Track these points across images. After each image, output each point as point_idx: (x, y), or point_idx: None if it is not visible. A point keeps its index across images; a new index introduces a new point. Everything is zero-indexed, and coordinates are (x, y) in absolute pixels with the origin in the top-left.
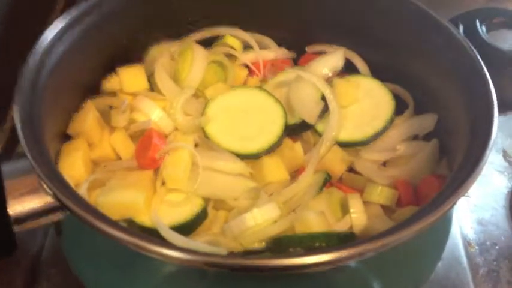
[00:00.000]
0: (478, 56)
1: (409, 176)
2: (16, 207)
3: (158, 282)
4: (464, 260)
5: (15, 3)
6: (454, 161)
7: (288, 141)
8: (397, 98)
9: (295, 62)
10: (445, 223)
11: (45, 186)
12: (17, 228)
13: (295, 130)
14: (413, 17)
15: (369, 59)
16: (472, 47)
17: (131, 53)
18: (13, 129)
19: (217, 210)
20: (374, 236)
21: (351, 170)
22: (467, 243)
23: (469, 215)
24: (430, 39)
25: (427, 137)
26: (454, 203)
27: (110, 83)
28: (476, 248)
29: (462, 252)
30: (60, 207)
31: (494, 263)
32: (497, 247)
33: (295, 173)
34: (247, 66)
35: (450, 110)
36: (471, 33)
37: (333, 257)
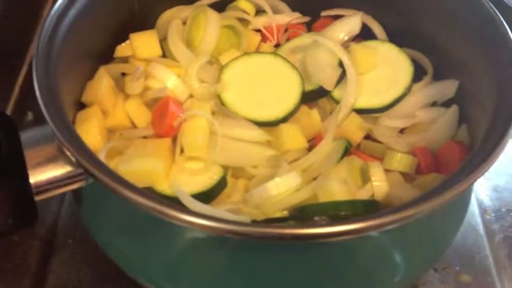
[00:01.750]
0: (502, 19)
1: (428, 142)
2: (36, 177)
3: (179, 250)
4: (481, 227)
5: None
6: (476, 129)
7: (304, 108)
8: (415, 63)
9: (309, 27)
10: (467, 192)
11: (68, 153)
12: (38, 198)
13: (312, 97)
14: None
15: (386, 24)
16: (496, 10)
17: (144, 19)
18: (20, 97)
19: (236, 178)
20: (401, 206)
21: (368, 137)
22: (483, 211)
23: (484, 183)
24: (450, 2)
25: (445, 103)
26: (483, 173)
27: (123, 48)
28: (492, 215)
29: (478, 219)
30: (82, 175)
31: (510, 229)
32: None
33: (312, 141)
34: (260, 32)
35: (471, 76)
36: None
37: (360, 226)
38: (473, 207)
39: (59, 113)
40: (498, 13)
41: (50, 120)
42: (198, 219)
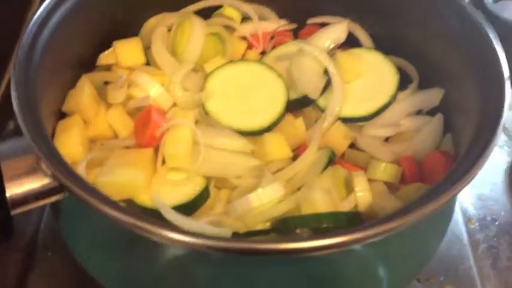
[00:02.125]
0: (487, 28)
1: (413, 152)
2: (13, 189)
3: (159, 265)
4: (465, 236)
5: None
6: (460, 138)
7: (289, 117)
8: (401, 71)
9: (296, 34)
10: (451, 204)
11: (44, 166)
12: (14, 211)
13: (297, 105)
14: None
15: (371, 31)
16: (482, 18)
17: (128, 26)
18: (1, 106)
19: (219, 189)
20: (384, 218)
21: (353, 146)
22: (467, 219)
23: (469, 191)
24: (435, 10)
25: (430, 112)
26: (467, 183)
27: (106, 56)
28: (477, 224)
29: (463, 228)
30: (59, 188)
31: (495, 239)
32: (497, 223)
33: (297, 150)
34: (246, 39)
35: (456, 84)
36: (478, 4)
37: (342, 239)
38: (458, 216)
39: (37, 124)
40: (484, 22)
41: (26, 132)
42: (175, 234)
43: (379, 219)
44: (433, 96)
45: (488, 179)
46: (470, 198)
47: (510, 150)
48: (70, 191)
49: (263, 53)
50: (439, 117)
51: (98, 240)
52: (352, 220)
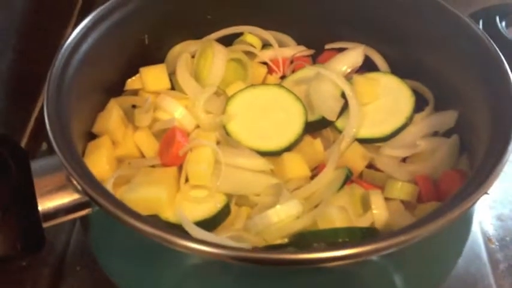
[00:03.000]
0: (499, 51)
1: (429, 171)
2: (45, 204)
3: (184, 276)
4: (485, 255)
5: (36, 7)
6: (475, 157)
7: (308, 138)
8: (416, 94)
9: (314, 60)
10: (466, 220)
11: (74, 182)
12: (45, 224)
13: (315, 127)
14: (432, 13)
15: (388, 56)
16: (492, 42)
17: (154, 53)
18: (36, 128)
19: (239, 206)
20: (396, 231)
21: (371, 166)
22: (487, 239)
23: (489, 211)
24: (449, 35)
25: (447, 133)
26: (476, 200)
27: (133, 82)
28: (496, 243)
29: (482, 247)
30: (88, 203)
31: None
32: None
33: (315, 170)
34: (266, 64)
35: (470, 106)
36: (491, 28)
37: (356, 251)
38: (477, 236)
39: (68, 144)
40: (495, 45)
41: (57, 150)
42: (199, 245)
43: (392, 232)
44: (448, 117)
45: (508, 199)
46: (489, 218)
47: None
48: (99, 205)
49: (283, 77)
50: (454, 138)
51: (125, 253)
52: (367, 235)
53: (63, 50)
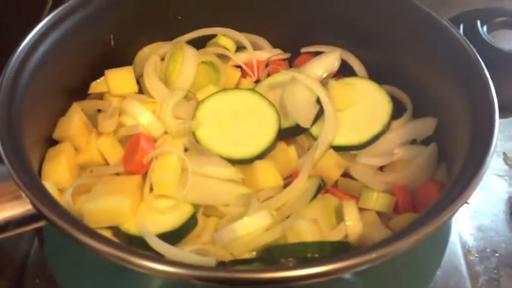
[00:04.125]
0: (479, 57)
1: (406, 181)
2: None
3: None
4: (464, 268)
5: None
6: (454, 167)
7: (281, 145)
8: (394, 100)
9: (290, 63)
10: (444, 231)
11: (23, 194)
12: None
13: (289, 134)
14: (412, 17)
15: (365, 60)
16: (473, 47)
17: (120, 55)
18: None
19: (207, 216)
20: (368, 248)
21: (346, 175)
22: (466, 251)
23: (468, 221)
24: (429, 40)
25: (425, 141)
26: (454, 213)
27: (98, 85)
28: (476, 255)
29: (461, 260)
30: (41, 215)
31: (495, 271)
32: (497, 254)
33: (288, 178)
34: (240, 67)
35: (449, 113)
36: (472, 33)
37: (326, 269)
38: (456, 248)
39: (18, 151)
40: (475, 51)
41: (5, 158)
42: (156, 265)
43: (364, 248)
44: (427, 125)
45: (489, 210)
46: (469, 229)
47: (511, 180)
48: (48, 220)
49: (257, 81)
50: (432, 147)
51: (80, 268)
52: (338, 249)
53: (17, 53)
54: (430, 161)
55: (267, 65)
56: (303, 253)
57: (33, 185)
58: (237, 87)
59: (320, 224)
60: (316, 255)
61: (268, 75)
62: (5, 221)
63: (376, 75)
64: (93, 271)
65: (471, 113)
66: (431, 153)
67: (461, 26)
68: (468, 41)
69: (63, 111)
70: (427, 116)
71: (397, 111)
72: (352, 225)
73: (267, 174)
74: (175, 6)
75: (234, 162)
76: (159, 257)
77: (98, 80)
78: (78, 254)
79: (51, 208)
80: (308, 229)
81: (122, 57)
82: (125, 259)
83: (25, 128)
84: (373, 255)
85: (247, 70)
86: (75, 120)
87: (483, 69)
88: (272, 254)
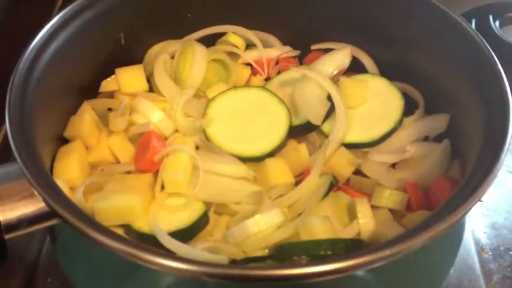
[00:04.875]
0: (492, 52)
1: (419, 178)
2: (7, 214)
3: None
4: (477, 266)
5: (14, 6)
6: (467, 164)
7: (292, 143)
8: (406, 97)
9: (300, 61)
10: (458, 229)
11: (35, 192)
12: (8, 236)
13: (300, 131)
14: (423, 12)
15: (376, 57)
16: (486, 42)
17: (130, 53)
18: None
19: (219, 215)
20: (382, 245)
21: (358, 172)
22: (480, 249)
23: (482, 219)
24: (441, 35)
25: (437, 138)
26: (468, 210)
27: (108, 83)
28: (490, 253)
29: (475, 258)
30: (53, 213)
31: (508, 269)
32: (511, 252)
33: (300, 176)
34: (250, 65)
35: (462, 109)
36: (484, 28)
37: (340, 266)
38: (470, 246)
39: (30, 149)
40: (488, 46)
41: (17, 156)
42: (169, 262)
43: (377, 245)
44: (440, 121)
45: (502, 207)
46: (483, 227)
47: None
48: (61, 217)
49: (267, 79)
50: (445, 144)
51: (92, 266)
52: (351, 247)
53: (28, 51)
54: (442, 157)
55: (277, 63)
56: (316, 251)
57: (46, 183)
58: (247, 85)
59: (332, 222)
60: (329, 252)
61: (278, 72)
62: (17, 219)
63: (387, 72)
64: (105, 269)
65: (485, 109)
66: (444, 150)
67: (473, 21)
68: (481, 36)
69: (73, 109)
70: (439, 112)
71: (409, 108)
72: (365, 222)
73: (278, 171)
74: (185, 5)
75: (244, 160)
76: (172, 255)
77: (109, 79)
78: (90, 252)
79: (64, 206)
80: (321, 226)
81: (132, 56)
82: (139, 256)
83: (36, 126)
84: (387, 252)
85: (257, 68)
86: (86, 118)
87: (496, 64)
88: (285, 252)
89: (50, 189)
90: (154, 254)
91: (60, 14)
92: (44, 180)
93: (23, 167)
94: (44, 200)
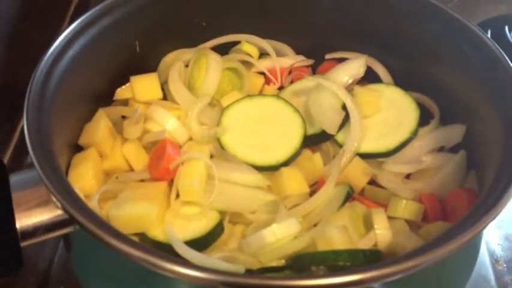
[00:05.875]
0: (509, 62)
1: (435, 189)
2: (23, 221)
3: None
4: (492, 278)
5: (26, 14)
6: (484, 175)
7: (306, 152)
8: (421, 107)
9: (314, 70)
10: (476, 241)
11: (54, 198)
12: (24, 243)
13: (315, 140)
14: (439, 21)
15: (390, 66)
16: (503, 52)
17: (145, 61)
18: (21, 139)
19: (234, 224)
20: (404, 256)
21: (372, 182)
22: (494, 261)
23: (496, 231)
24: (457, 45)
25: (453, 148)
26: (490, 222)
27: (123, 91)
28: (504, 265)
29: (489, 270)
30: (70, 220)
31: None
32: None
33: (314, 186)
34: (263, 74)
35: (479, 120)
36: (499, 39)
37: (360, 277)
38: (484, 257)
39: (48, 156)
40: (506, 57)
41: (36, 163)
42: (187, 270)
43: (398, 257)
44: (455, 132)
45: None
46: (497, 238)
47: None
48: (79, 224)
49: (281, 88)
50: (461, 154)
51: (108, 274)
52: (370, 258)
53: (46, 58)
54: (459, 168)
55: (290, 72)
56: (335, 261)
57: (65, 190)
58: (260, 94)
59: (349, 232)
60: (348, 263)
61: (291, 82)
62: (34, 227)
63: (401, 82)
64: (121, 276)
65: (503, 119)
66: (460, 160)
67: (489, 32)
68: (498, 46)
69: (88, 117)
70: (455, 122)
71: (424, 118)
72: (382, 233)
73: (293, 181)
74: (200, 13)
75: (259, 169)
76: (191, 263)
77: (123, 87)
78: (106, 259)
79: (83, 213)
80: (338, 237)
81: (146, 64)
82: (158, 264)
83: (54, 133)
84: (411, 263)
85: (271, 77)
86: (101, 126)
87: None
88: (303, 262)
89: (69, 197)
90: (174, 262)
91: (78, 21)
92: (63, 188)
93: (41, 173)
94: (63, 207)
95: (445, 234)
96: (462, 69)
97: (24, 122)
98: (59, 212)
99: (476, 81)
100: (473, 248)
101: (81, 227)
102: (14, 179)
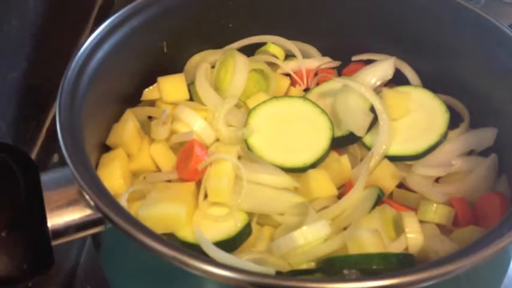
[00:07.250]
0: None
1: (465, 193)
2: (55, 220)
3: None
4: None
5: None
6: None
7: (334, 155)
8: (451, 110)
9: (339, 72)
10: (509, 248)
11: (87, 197)
12: (54, 242)
13: (342, 143)
14: (470, 23)
15: (419, 68)
16: None
17: (172, 62)
18: (47, 138)
19: (261, 226)
20: (441, 261)
21: (401, 185)
22: None
23: None
24: (488, 47)
25: (484, 152)
26: None
27: (150, 92)
28: None
29: None
30: (100, 219)
31: None
32: None
33: (341, 189)
34: (289, 76)
35: (510, 123)
36: None
37: (394, 282)
38: None
39: (80, 155)
40: None
41: (69, 162)
42: (220, 270)
43: (434, 261)
44: (487, 135)
45: None
46: None
47: None
48: (112, 222)
49: (306, 90)
50: (493, 158)
51: (138, 273)
52: (403, 262)
53: (77, 58)
54: (489, 172)
55: (316, 74)
56: (368, 265)
57: (98, 189)
58: (286, 95)
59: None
60: (382, 267)
61: (317, 84)
62: (65, 226)
63: (431, 84)
64: (151, 275)
65: None
66: (491, 164)
67: None
68: None
69: (116, 117)
70: (485, 125)
71: (453, 121)
72: (414, 237)
73: (322, 183)
74: (226, 15)
75: (286, 170)
76: (221, 263)
77: (151, 87)
78: (136, 259)
79: (116, 212)
80: (370, 240)
81: (173, 65)
82: (189, 263)
83: (84, 134)
84: (449, 268)
85: (297, 78)
86: (129, 126)
87: None
88: (334, 265)
89: (102, 195)
90: (206, 261)
91: (107, 22)
92: (96, 186)
93: (75, 172)
94: (96, 206)
95: (481, 239)
96: (492, 71)
97: (56, 121)
98: (89, 211)
99: (506, 83)
100: (506, 253)
101: (115, 225)
102: (45, 178)
